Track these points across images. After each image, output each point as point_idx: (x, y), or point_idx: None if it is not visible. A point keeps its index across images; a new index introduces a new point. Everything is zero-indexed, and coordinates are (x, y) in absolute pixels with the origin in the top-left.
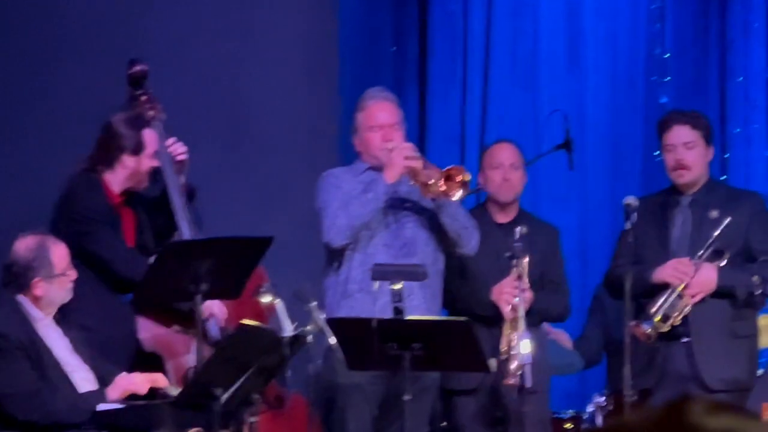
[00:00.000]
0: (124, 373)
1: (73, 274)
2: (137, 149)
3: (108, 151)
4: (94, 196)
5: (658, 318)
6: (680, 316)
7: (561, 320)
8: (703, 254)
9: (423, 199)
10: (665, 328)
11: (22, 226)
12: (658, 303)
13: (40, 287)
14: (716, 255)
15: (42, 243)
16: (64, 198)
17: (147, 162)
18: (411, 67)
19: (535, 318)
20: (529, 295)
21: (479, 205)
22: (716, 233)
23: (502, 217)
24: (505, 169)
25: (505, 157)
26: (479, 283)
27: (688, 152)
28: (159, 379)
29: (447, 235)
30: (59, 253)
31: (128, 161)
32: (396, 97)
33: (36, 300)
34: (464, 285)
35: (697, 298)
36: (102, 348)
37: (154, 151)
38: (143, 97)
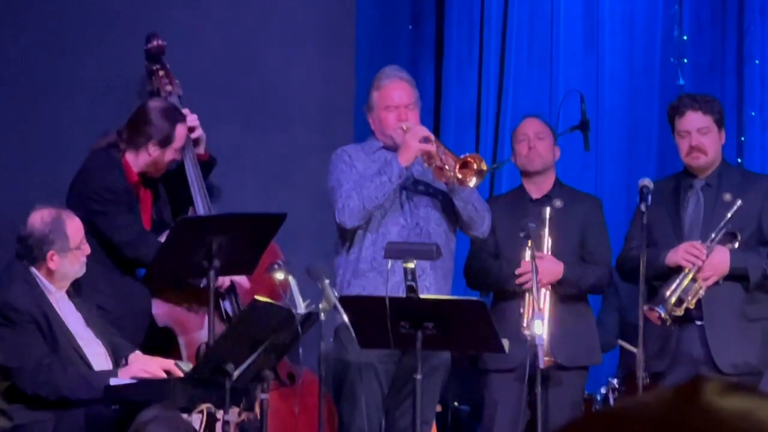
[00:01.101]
0: (138, 353)
1: (86, 249)
2: (166, 142)
3: (137, 134)
4: (112, 174)
5: (672, 302)
6: (694, 300)
7: (598, 292)
8: (715, 237)
9: (436, 181)
10: (679, 311)
11: (38, 202)
12: (672, 287)
13: (54, 260)
14: (729, 238)
15: (58, 216)
16: (82, 173)
17: (171, 155)
18: (428, 47)
19: (568, 289)
20: (552, 266)
21: (519, 185)
22: (728, 216)
23: (536, 192)
24: (530, 139)
25: (528, 128)
26: (506, 261)
27: (702, 137)
28: (173, 368)
29: (460, 217)
30: (74, 226)
31: (153, 151)
32: (412, 76)
33: (49, 273)
34: (494, 264)
35: (710, 282)
36: (116, 326)
37: (180, 147)
38: (160, 72)
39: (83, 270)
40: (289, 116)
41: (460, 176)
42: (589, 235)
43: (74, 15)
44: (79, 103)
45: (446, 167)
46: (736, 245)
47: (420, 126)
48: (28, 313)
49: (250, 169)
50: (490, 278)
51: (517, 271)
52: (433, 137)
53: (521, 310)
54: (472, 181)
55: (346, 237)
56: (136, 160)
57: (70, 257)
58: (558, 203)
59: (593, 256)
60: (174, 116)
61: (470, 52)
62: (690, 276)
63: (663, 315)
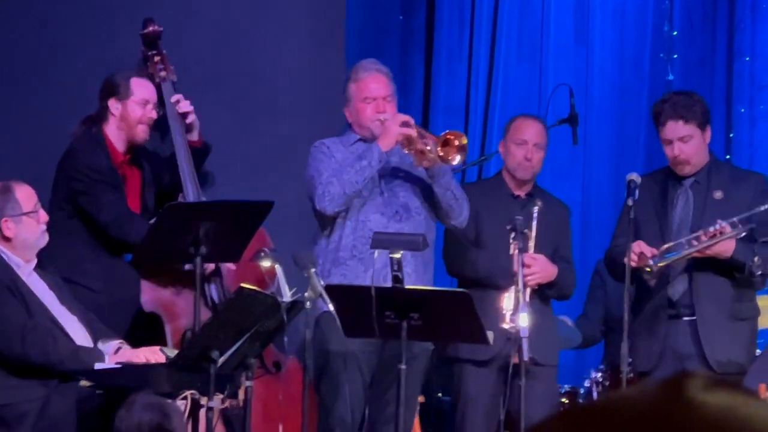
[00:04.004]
0: (128, 347)
1: (43, 215)
2: (124, 95)
3: (102, 103)
4: (97, 153)
5: (663, 264)
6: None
7: (568, 299)
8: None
9: (415, 169)
10: (662, 263)
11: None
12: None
13: (8, 228)
14: (734, 226)
15: (5, 185)
16: (66, 155)
17: (135, 108)
18: (418, 38)
19: (554, 292)
20: (549, 267)
21: (496, 174)
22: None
23: (518, 190)
24: (529, 148)
25: (530, 136)
26: (492, 253)
27: (684, 146)
28: (159, 357)
29: (439, 205)
30: (24, 192)
31: (115, 108)
32: (401, 68)
33: (8, 242)
34: (479, 254)
35: (707, 254)
36: (104, 309)
37: (143, 99)
38: (156, 57)
39: (45, 238)
40: (279, 105)
41: (442, 154)
42: (560, 242)
43: (69, 1)
44: (74, 87)
45: (427, 149)
46: (743, 234)
47: (399, 114)
48: (1, 282)
49: (238, 156)
50: (472, 268)
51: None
52: (413, 121)
53: (502, 303)
54: (456, 159)
55: (326, 225)
56: (112, 129)
57: (25, 222)
58: (541, 205)
59: (564, 262)
60: (128, 73)
61: (460, 44)
62: (692, 253)
63: (654, 267)
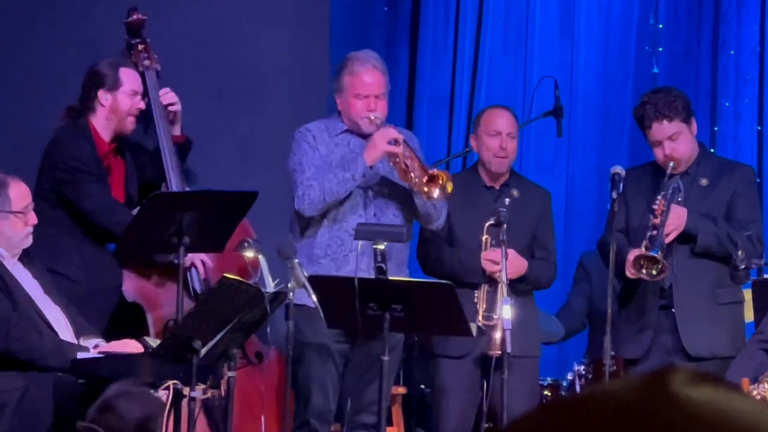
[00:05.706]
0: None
1: (32, 219)
2: (113, 85)
3: (88, 93)
4: (81, 144)
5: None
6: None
7: (548, 287)
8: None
9: (394, 173)
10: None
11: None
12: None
13: None
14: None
15: (2, 179)
16: (51, 145)
17: (125, 100)
18: (403, 28)
19: (526, 286)
20: (517, 262)
21: (471, 167)
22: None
23: (493, 182)
24: (502, 139)
25: (503, 126)
26: (466, 251)
27: (675, 144)
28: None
29: (418, 212)
30: (18, 191)
31: (104, 99)
32: (386, 58)
33: None
34: (452, 253)
35: (672, 237)
36: (85, 299)
37: (132, 90)
38: (140, 46)
39: (29, 240)
40: (263, 95)
41: (426, 189)
42: (541, 229)
43: None
44: (57, 76)
45: (412, 175)
46: (679, 200)
47: (389, 127)
48: None
49: (222, 146)
50: (446, 267)
51: (486, 257)
52: (401, 139)
53: (475, 300)
54: (435, 195)
55: (303, 220)
56: (99, 120)
57: (12, 220)
58: (515, 193)
59: (544, 251)
60: (117, 63)
61: (445, 35)
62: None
63: (658, 256)
